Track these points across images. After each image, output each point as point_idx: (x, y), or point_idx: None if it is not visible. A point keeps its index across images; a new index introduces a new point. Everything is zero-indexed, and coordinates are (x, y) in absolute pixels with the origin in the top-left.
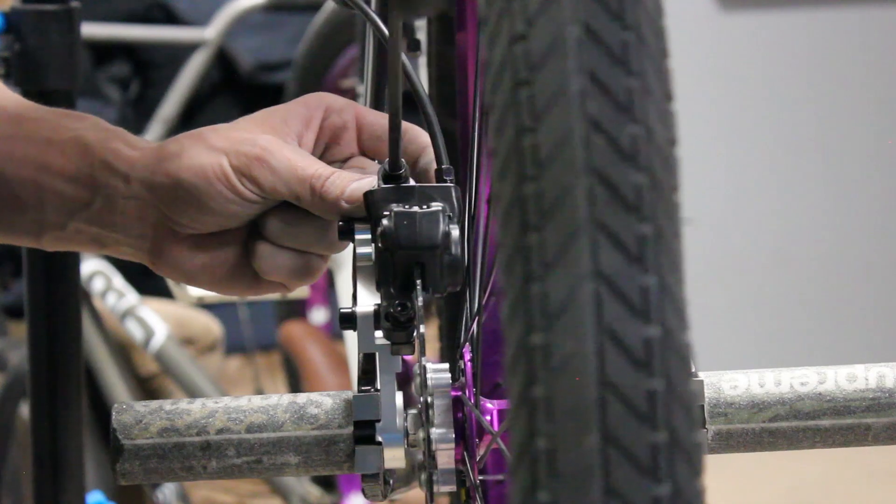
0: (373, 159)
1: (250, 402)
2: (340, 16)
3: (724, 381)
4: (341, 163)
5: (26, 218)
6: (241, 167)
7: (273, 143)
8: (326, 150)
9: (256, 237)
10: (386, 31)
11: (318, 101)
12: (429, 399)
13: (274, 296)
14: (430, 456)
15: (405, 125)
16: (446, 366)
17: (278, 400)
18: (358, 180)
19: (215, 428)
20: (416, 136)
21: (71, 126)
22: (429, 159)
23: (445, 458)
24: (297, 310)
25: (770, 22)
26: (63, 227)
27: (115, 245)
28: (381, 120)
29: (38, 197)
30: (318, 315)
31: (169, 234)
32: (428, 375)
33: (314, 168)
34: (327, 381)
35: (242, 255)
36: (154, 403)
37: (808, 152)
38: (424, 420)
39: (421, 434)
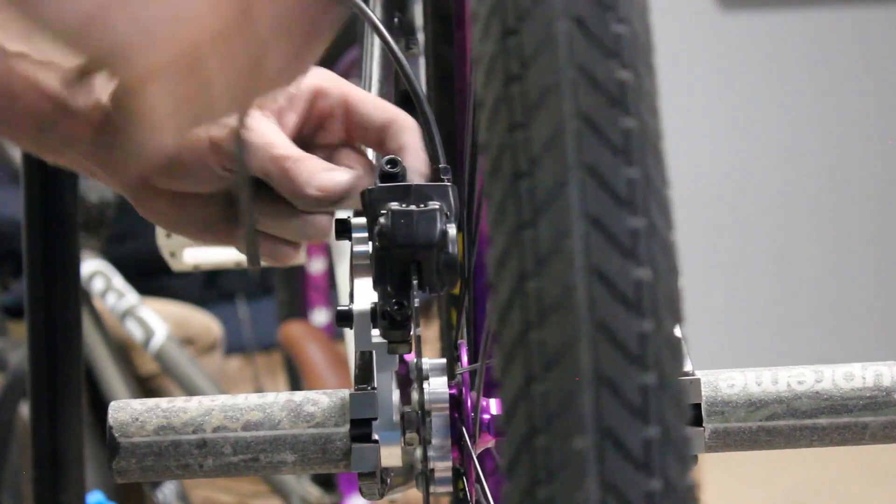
0: (359, 150)
1: (247, 400)
2: None
3: (721, 380)
4: (331, 150)
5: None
6: (216, 139)
7: (253, 119)
8: (315, 133)
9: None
10: (384, 32)
11: (309, 81)
12: (425, 408)
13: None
14: (427, 469)
15: (392, 116)
16: (444, 372)
17: (275, 398)
18: (331, 170)
19: (212, 426)
20: (399, 132)
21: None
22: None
23: (443, 468)
24: (298, 310)
25: (770, 22)
26: (64, 155)
27: (110, 183)
28: (372, 112)
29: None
30: (320, 316)
31: (149, 187)
32: (425, 387)
33: (289, 149)
34: (328, 381)
35: (220, 214)
36: (150, 401)
37: (807, 152)
38: (420, 426)
39: (418, 452)
